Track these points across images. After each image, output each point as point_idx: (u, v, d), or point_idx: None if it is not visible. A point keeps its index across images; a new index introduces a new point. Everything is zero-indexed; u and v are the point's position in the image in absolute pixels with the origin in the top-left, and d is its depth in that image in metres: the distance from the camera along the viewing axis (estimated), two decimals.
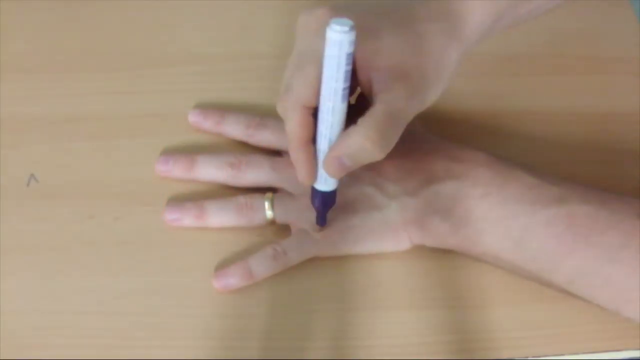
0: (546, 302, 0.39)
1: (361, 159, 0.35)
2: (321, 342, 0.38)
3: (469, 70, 0.49)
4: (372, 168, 0.41)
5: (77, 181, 0.43)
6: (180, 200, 0.42)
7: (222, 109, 0.45)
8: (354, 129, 0.34)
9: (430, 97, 0.37)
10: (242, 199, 0.41)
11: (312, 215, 0.40)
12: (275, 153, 0.43)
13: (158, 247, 0.41)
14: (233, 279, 0.39)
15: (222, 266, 0.40)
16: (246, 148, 0.44)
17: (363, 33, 0.33)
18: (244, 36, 0.50)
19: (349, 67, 0.33)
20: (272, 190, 0.42)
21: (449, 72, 0.37)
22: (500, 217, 0.38)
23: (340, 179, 0.37)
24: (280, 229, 0.41)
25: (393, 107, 0.34)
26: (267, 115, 0.44)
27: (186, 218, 0.41)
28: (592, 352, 0.38)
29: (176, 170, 0.43)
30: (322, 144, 0.36)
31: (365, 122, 0.34)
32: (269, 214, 0.41)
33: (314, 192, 0.38)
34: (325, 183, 0.37)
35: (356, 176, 0.41)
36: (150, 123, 0.45)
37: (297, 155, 0.36)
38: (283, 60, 0.48)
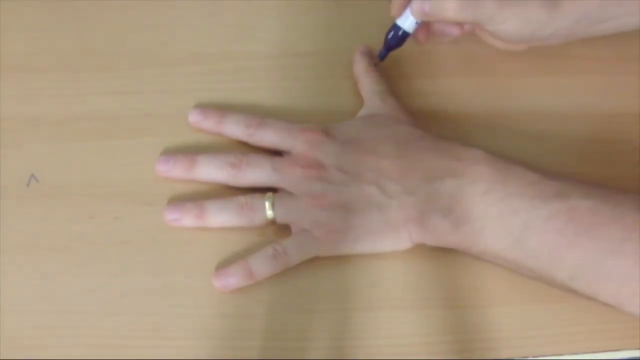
0: (546, 302, 0.40)
1: (442, 12, 0.43)
2: (321, 342, 0.38)
3: (469, 70, 0.49)
4: (371, 167, 0.41)
5: (77, 181, 0.43)
6: (180, 200, 0.42)
7: (222, 109, 0.45)
8: None
9: (504, 22, 0.43)
10: (242, 199, 0.41)
11: (315, 215, 0.40)
12: (276, 153, 0.43)
13: (158, 247, 0.41)
14: (233, 278, 0.39)
15: (223, 266, 0.40)
16: (246, 148, 0.44)
17: None
18: (244, 36, 0.50)
19: None
20: (273, 190, 0.42)
21: (531, 22, 0.43)
22: (500, 214, 0.38)
23: (415, 33, 0.46)
24: (280, 229, 0.41)
25: None
26: (267, 115, 0.44)
27: (186, 218, 0.41)
28: (592, 352, 0.38)
29: (176, 170, 0.43)
30: None
31: None
32: (269, 213, 0.41)
33: (393, 27, 0.46)
34: (406, 22, 0.46)
35: (355, 175, 0.41)
36: (150, 123, 0.45)
37: None
38: (283, 60, 0.49)
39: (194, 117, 0.45)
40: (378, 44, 0.47)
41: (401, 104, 0.46)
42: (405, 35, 0.46)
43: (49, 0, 0.51)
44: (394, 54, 0.47)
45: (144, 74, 0.48)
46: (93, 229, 0.41)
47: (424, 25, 0.47)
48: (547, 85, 0.49)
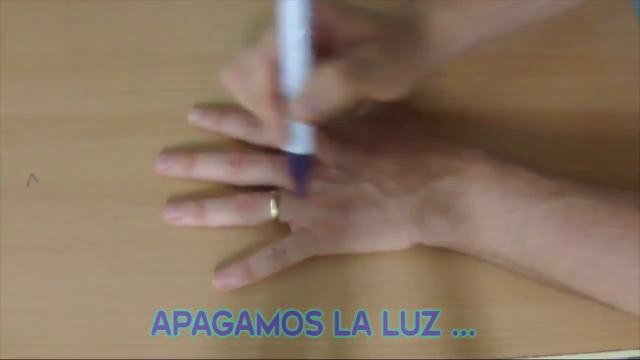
0: (546, 302, 0.40)
1: (331, 95, 0.34)
2: (321, 342, 0.38)
3: (469, 70, 0.49)
4: (371, 166, 0.41)
5: (77, 181, 0.43)
6: (180, 199, 0.42)
7: (222, 108, 0.45)
8: (323, 66, 0.34)
9: (399, 72, 0.37)
10: (242, 197, 0.41)
11: (314, 214, 0.40)
12: (276, 152, 0.43)
13: (158, 247, 0.41)
14: (233, 278, 0.39)
15: (222, 266, 0.40)
16: (246, 147, 0.44)
17: (340, 8, 0.35)
18: (244, 36, 0.50)
19: (311, 14, 0.32)
20: (272, 189, 0.42)
21: (414, 64, 0.38)
22: (498, 212, 0.38)
23: (315, 151, 0.37)
24: (280, 228, 0.41)
25: (363, 53, 0.35)
26: None
27: (186, 217, 0.41)
28: (592, 352, 0.38)
29: (176, 167, 0.43)
30: (292, 97, 0.35)
31: (335, 61, 0.34)
32: (273, 212, 0.40)
33: (290, 158, 0.37)
34: (300, 143, 0.36)
35: (355, 174, 0.41)
36: (150, 123, 0.45)
37: (268, 111, 0.35)
38: None
39: (194, 116, 0.45)
40: None
41: (402, 103, 0.46)
42: (309, 157, 0.37)
43: (49, 0, 0.51)
44: None
45: (144, 74, 0.48)
46: (93, 229, 0.41)
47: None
48: (547, 85, 0.49)
